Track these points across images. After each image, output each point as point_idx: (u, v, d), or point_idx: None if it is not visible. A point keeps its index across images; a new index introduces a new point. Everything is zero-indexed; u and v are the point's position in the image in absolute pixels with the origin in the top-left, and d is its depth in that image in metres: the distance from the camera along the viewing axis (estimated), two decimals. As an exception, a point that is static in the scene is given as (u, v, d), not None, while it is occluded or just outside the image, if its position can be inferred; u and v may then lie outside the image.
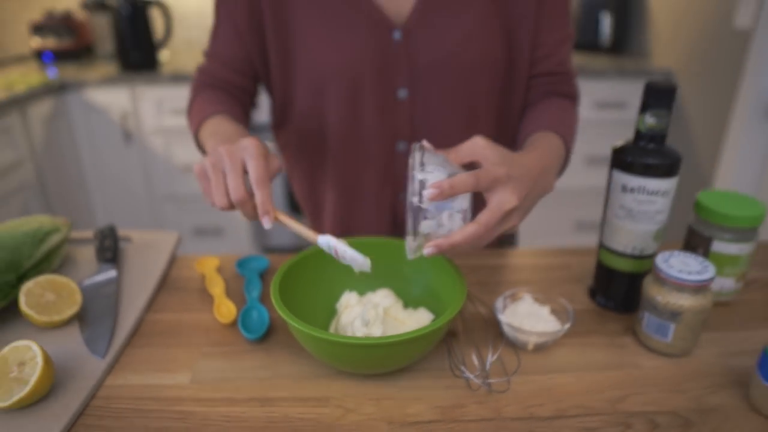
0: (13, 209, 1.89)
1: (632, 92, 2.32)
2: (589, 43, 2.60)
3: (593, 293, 0.74)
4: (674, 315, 0.60)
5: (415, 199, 0.54)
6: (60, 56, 2.54)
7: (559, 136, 0.73)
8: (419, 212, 0.54)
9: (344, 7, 0.78)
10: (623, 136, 2.37)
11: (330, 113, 0.83)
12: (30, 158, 2.00)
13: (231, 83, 0.85)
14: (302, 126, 0.87)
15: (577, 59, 2.43)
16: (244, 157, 0.58)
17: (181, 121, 2.26)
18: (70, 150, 2.26)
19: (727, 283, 0.71)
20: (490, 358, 0.60)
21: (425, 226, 0.55)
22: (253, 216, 0.59)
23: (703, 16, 2.05)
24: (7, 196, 1.86)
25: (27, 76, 2.20)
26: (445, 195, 0.53)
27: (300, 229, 0.59)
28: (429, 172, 0.54)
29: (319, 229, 0.95)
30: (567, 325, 0.62)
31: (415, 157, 0.55)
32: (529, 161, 0.60)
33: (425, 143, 0.57)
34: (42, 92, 2.07)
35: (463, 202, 0.55)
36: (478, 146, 0.57)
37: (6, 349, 0.56)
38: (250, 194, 0.57)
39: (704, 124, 2.06)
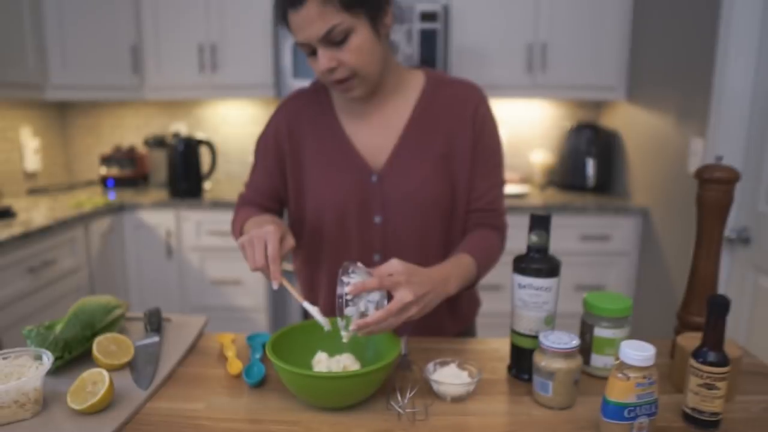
0: (66, 308, 2.20)
1: (614, 227, 2.61)
2: (577, 184, 2.94)
3: (510, 368, 0.98)
4: (551, 374, 0.84)
5: (340, 292, 0.86)
6: (119, 182, 3.00)
7: (472, 257, 1.03)
8: (343, 302, 0.85)
9: (339, 157, 1.12)
10: (607, 265, 2.63)
11: (326, 230, 1.14)
12: (86, 265, 2.36)
13: (263, 206, 1.19)
14: (308, 237, 1.17)
15: (566, 197, 2.77)
16: (266, 239, 0.89)
17: (216, 241, 2.62)
18: (119, 260, 2.62)
19: (609, 361, 0.94)
20: (409, 393, 0.84)
21: (348, 311, 0.86)
22: (270, 277, 0.90)
23: (665, 163, 2.39)
24: (63, 296, 2.19)
25: (92, 198, 2.62)
26: (358, 290, 0.84)
27: (294, 293, 0.89)
28: (351, 277, 0.86)
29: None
30: (476, 379, 0.86)
31: (345, 268, 0.87)
32: (431, 272, 0.91)
33: (359, 263, 0.88)
34: (104, 212, 2.47)
35: (376, 296, 0.85)
36: (392, 264, 0.88)
37: (86, 372, 0.83)
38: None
39: (675, 253, 2.31)
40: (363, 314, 0.86)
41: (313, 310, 0.89)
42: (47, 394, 0.85)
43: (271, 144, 1.17)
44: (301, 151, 1.14)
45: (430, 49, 2.61)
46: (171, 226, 2.63)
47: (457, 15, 2.72)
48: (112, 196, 2.71)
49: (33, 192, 2.84)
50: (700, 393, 0.78)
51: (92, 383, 0.81)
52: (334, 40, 0.96)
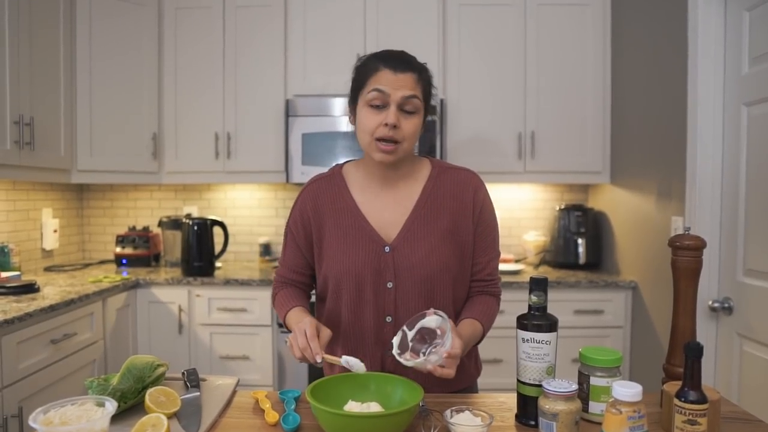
0: (80, 379, 2.27)
1: (606, 301, 2.74)
2: (569, 262, 3.10)
3: (518, 416, 1.09)
4: (554, 416, 0.96)
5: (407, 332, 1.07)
6: (132, 260, 3.13)
7: (480, 323, 1.21)
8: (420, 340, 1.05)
9: (355, 232, 1.28)
10: (601, 338, 2.74)
11: (345, 296, 1.28)
12: (102, 338, 2.44)
13: (297, 281, 1.37)
14: (329, 302, 1.31)
15: (559, 274, 2.92)
16: (304, 329, 1.09)
17: (227, 318, 2.73)
18: (131, 334, 2.71)
19: (605, 407, 1.05)
20: (433, 430, 0.95)
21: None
22: (311, 357, 1.07)
23: (650, 240, 2.57)
24: (79, 368, 2.26)
25: (109, 275, 2.75)
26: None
27: (332, 359, 1.05)
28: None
29: (332, 370, 1.34)
30: (489, 422, 0.97)
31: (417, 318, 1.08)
32: (465, 341, 1.10)
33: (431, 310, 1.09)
34: (120, 288, 2.59)
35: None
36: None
37: (145, 417, 0.94)
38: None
39: (664, 322, 2.43)
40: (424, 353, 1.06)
41: (353, 361, 1.05)
42: (108, 438, 0.95)
43: (300, 223, 1.33)
44: (323, 226, 1.30)
45: (430, 139, 2.85)
46: (183, 303, 2.74)
47: (451, 108, 2.98)
48: (125, 274, 2.83)
49: (49, 269, 2.96)
50: (685, 429, 0.90)
51: (152, 426, 0.92)
52: (407, 109, 1.21)
